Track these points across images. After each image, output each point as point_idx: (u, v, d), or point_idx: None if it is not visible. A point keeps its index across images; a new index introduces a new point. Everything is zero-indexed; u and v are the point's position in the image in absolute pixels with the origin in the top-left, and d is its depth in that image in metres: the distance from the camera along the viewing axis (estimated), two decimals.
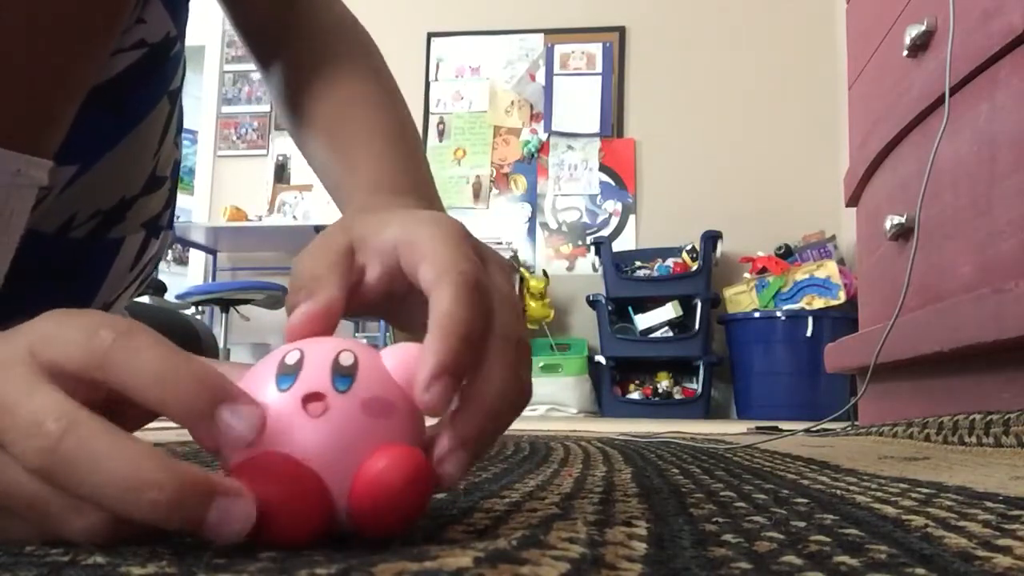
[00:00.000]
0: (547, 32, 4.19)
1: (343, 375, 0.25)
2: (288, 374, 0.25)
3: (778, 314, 3.25)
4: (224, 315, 3.60)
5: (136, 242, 0.59)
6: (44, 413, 0.23)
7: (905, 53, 1.30)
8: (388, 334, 3.53)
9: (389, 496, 0.24)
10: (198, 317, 3.26)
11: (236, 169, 4.37)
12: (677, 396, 3.52)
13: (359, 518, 0.25)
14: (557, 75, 4.16)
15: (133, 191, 0.56)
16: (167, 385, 0.24)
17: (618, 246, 3.81)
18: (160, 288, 2.90)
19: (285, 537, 0.24)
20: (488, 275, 0.31)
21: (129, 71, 0.50)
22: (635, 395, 3.56)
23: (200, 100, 4.64)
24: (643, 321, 3.56)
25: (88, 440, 0.22)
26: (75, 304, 0.59)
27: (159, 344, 0.25)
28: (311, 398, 0.25)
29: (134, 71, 0.50)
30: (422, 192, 0.47)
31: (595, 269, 3.65)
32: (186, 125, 5.41)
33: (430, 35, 4.26)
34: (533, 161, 4.10)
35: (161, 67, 0.53)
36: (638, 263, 3.68)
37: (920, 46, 1.27)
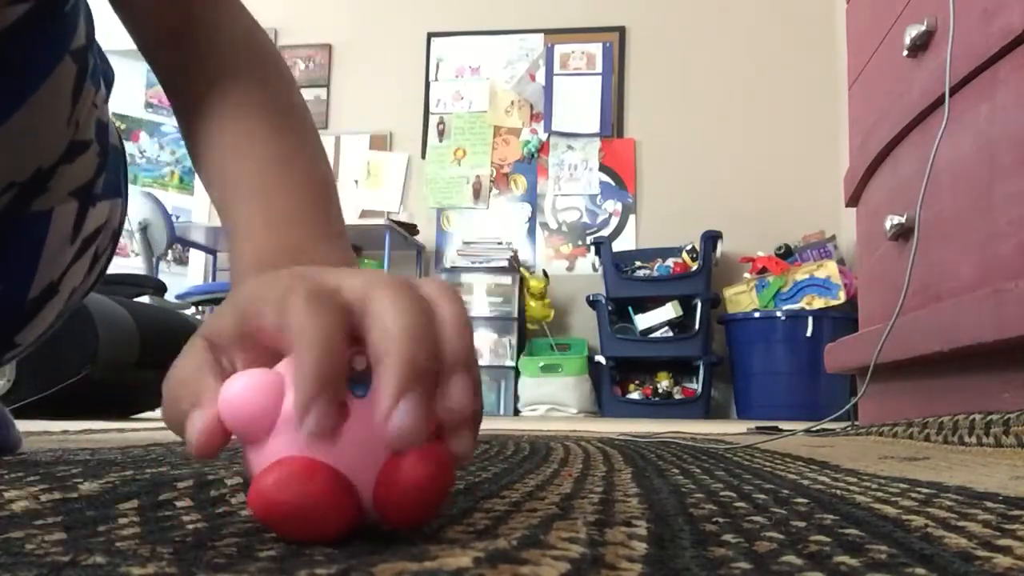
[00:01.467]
0: (547, 32, 4.19)
1: (359, 381, 0.26)
2: None
3: (778, 314, 3.25)
4: None
5: (69, 213, 0.56)
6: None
7: (905, 53, 1.30)
8: None
9: (415, 492, 0.25)
10: (198, 317, 3.26)
11: None
12: (677, 396, 3.52)
13: (385, 512, 0.26)
14: (557, 75, 4.16)
15: (49, 160, 0.53)
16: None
17: (618, 246, 3.81)
18: (160, 288, 2.90)
19: (318, 536, 0.25)
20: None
21: (14, 29, 0.46)
22: (635, 395, 3.56)
23: None
24: (643, 321, 3.56)
25: None
26: (13, 282, 0.57)
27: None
28: None
29: (19, 28, 0.46)
30: (305, 240, 0.41)
31: (595, 269, 3.65)
32: None
33: (430, 35, 4.26)
34: (533, 161, 4.10)
35: (53, 24, 0.49)
36: (638, 263, 3.68)
37: (920, 46, 1.27)
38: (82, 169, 0.56)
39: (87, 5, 0.54)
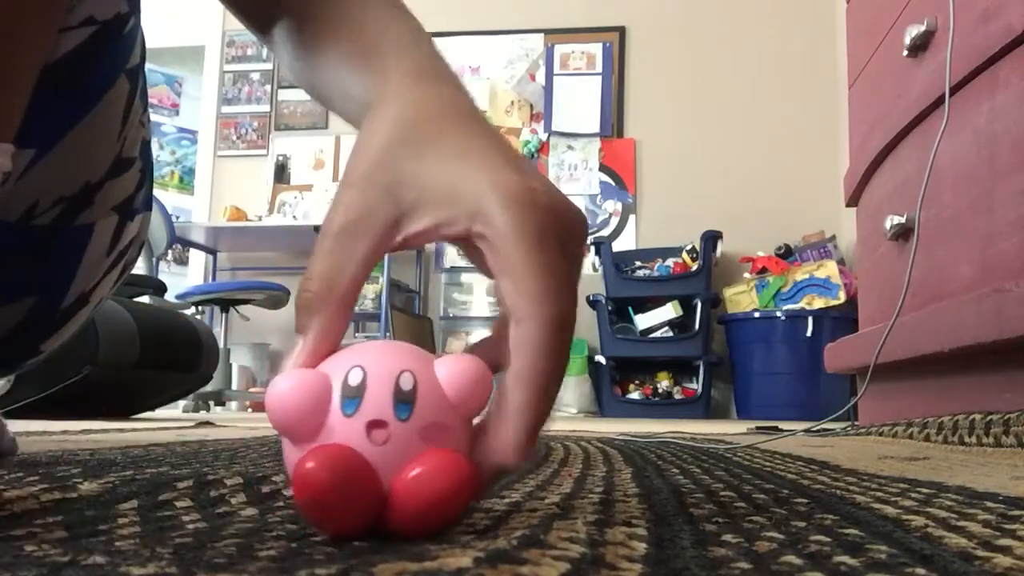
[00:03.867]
0: (547, 32, 4.19)
1: (403, 402, 0.27)
2: (352, 397, 0.27)
3: (778, 314, 3.25)
4: (224, 315, 3.60)
5: (109, 227, 0.58)
6: None
7: (905, 53, 1.30)
8: (388, 334, 3.53)
9: (431, 500, 0.26)
10: (198, 317, 3.26)
11: (236, 169, 4.37)
12: (677, 396, 3.52)
13: (400, 518, 0.26)
14: (557, 75, 4.17)
15: (97, 175, 0.55)
16: None
17: (618, 246, 3.81)
18: (160, 288, 2.90)
19: (336, 517, 0.26)
20: (572, 283, 0.30)
21: (79, 50, 0.48)
22: (635, 395, 3.56)
23: (200, 100, 4.65)
24: (643, 321, 3.56)
25: None
26: (48, 293, 0.58)
27: None
28: (374, 425, 0.26)
29: (84, 50, 0.49)
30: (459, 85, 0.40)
31: (595, 269, 3.65)
32: (186, 125, 5.41)
33: (430, 35, 4.26)
34: (533, 161, 4.10)
35: (114, 45, 0.51)
36: (638, 263, 3.68)
37: (920, 46, 1.27)
38: (125, 185, 0.58)
39: (139, 28, 0.55)
